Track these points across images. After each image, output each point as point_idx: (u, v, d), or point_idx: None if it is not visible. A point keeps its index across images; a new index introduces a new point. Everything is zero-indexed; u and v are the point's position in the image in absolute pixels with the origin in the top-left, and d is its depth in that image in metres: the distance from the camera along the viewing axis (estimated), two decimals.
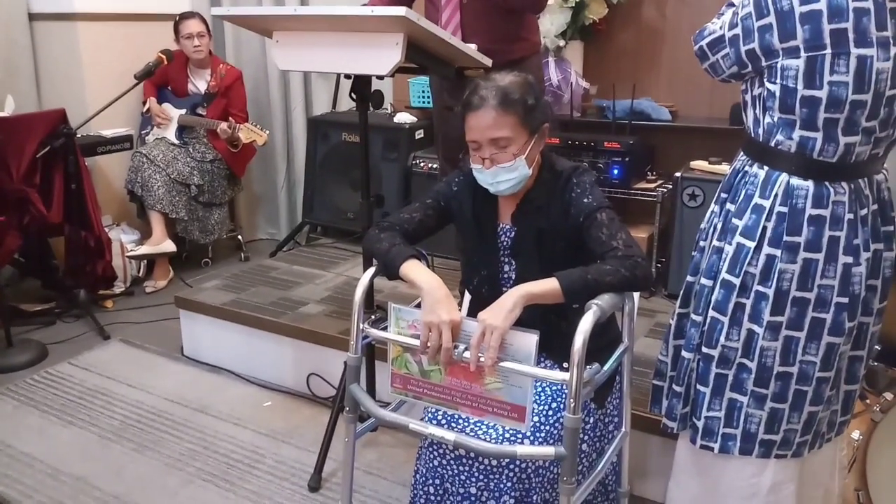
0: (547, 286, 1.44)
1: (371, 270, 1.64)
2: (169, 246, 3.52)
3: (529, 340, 1.38)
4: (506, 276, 1.67)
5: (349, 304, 1.66)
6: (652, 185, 3.03)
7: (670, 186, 2.97)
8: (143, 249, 3.48)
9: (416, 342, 1.46)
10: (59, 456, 2.28)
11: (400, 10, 1.66)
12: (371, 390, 2.27)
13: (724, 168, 2.81)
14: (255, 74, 4.03)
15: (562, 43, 3.12)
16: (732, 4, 1.45)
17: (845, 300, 1.40)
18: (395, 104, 3.76)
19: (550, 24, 3.05)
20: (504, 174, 1.55)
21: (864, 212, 1.40)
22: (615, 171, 2.98)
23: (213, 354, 2.85)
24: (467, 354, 1.41)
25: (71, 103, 3.43)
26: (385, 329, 1.55)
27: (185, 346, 2.94)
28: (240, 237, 4.03)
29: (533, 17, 2.47)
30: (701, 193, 2.81)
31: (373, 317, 1.66)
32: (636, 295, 1.65)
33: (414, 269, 1.53)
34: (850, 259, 1.39)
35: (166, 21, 3.74)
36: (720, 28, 1.43)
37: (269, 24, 2.01)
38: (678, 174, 2.88)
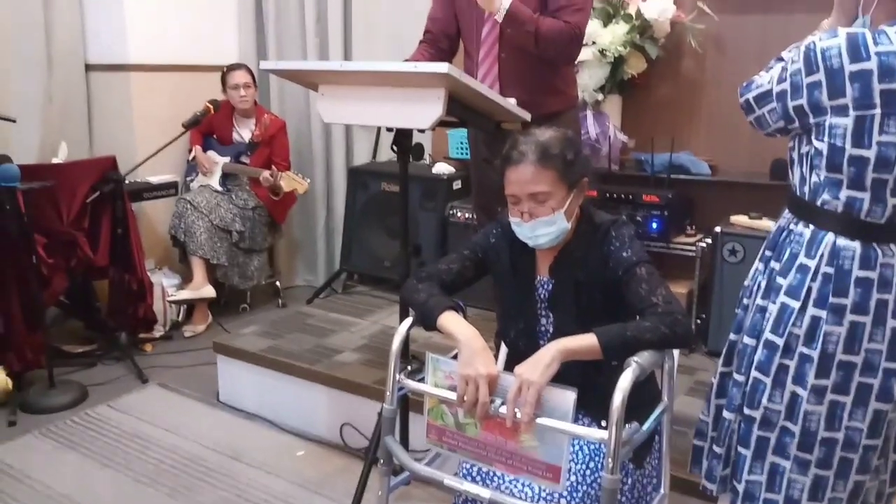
0: (585, 342, 1.43)
1: (408, 321, 1.64)
2: (209, 291, 3.57)
3: (567, 398, 1.36)
4: (543, 329, 1.66)
5: (384, 353, 1.67)
6: (691, 240, 3.00)
7: (710, 241, 2.94)
8: (184, 294, 3.54)
9: (453, 395, 1.45)
10: (95, 498, 2.30)
11: (443, 67, 1.70)
12: (404, 441, 2.25)
13: (765, 223, 2.78)
14: (298, 124, 4.13)
15: (600, 97, 3.14)
16: (782, 59, 1.45)
17: (894, 365, 1.36)
18: (433, 155, 3.81)
19: (589, 78, 3.08)
20: (543, 228, 1.55)
21: None
22: (654, 225, 2.97)
23: (249, 401, 2.86)
24: (503, 409, 1.40)
25: (121, 150, 3.54)
26: (421, 379, 1.55)
27: (221, 392, 2.96)
28: (278, 283, 4.08)
29: (570, 70, 2.49)
30: (741, 249, 2.77)
31: (409, 367, 1.66)
32: (676, 352, 1.62)
33: (451, 321, 1.53)
34: None
35: (214, 72, 3.87)
36: (768, 82, 1.42)
37: (315, 78, 2.07)
38: (718, 229, 2.84)
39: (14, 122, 2.94)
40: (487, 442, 1.46)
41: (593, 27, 3.03)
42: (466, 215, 3.35)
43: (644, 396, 1.57)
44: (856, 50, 1.26)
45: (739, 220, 2.90)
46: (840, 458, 1.41)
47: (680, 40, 3.14)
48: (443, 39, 2.47)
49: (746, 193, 3.00)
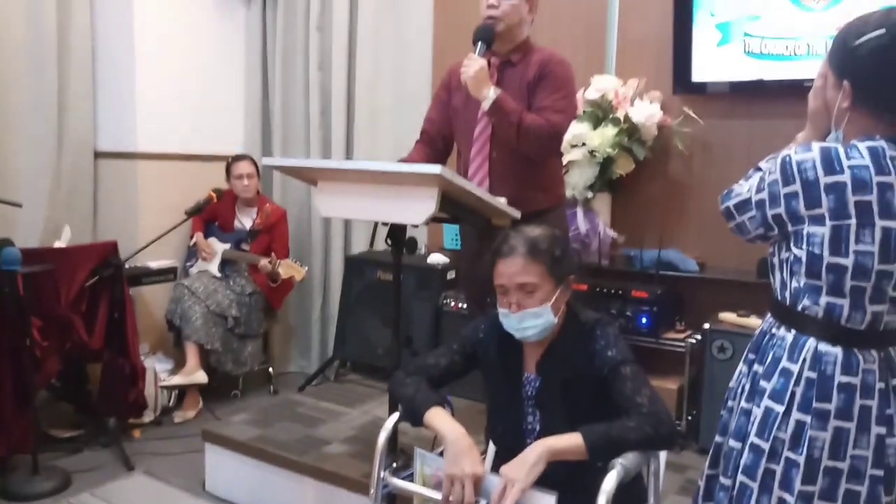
0: (571, 442, 1.45)
1: (395, 416, 1.66)
2: (201, 377, 3.57)
3: (548, 502, 1.36)
4: (530, 426, 1.67)
5: (374, 444, 1.67)
6: (681, 336, 3.04)
7: (699, 337, 2.97)
8: (176, 379, 3.54)
9: (437, 495, 1.46)
10: None
11: (436, 169, 1.78)
12: None
13: (753, 321, 2.82)
14: (298, 213, 4.23)
15: (590, 195, 3.24)
16: (760, 169, 1.50)
17: (880, 473, 1.36)
18: (429, 245, 3.89)
19: (579, 177, 3.19)
20: (530, 320, 1.59)
21: None
22: (643, 321, 3.00)
23: (235, 491, 2.82)
24: None
25: (124, 235, 3.61)
26: (408, 476, 1.55)
27: (207, 481, 2.91)
28: (270, 369, 4.07)
29: (557, 170, 2.59)
30: (730, 346, 2.80)
31: (395, 464, 1.66)
32: (662, 454, 1.63)
33: (438, 418, 1.55)
34: (883, 430, 1.36)
35: (219, 161, 4.00)
36: (747, 191, 1.47)
37: (315, 175, 2.15)
38: (707, 326, 2.88)
39: (20, 206, 3.02)
40: None
41: (583, 129, 3.16)
42: (460, 305, 3.39)
43: (631, 497, 1.57)
44: (829, 163, 1.32)
45: (728, 317, 2.94)
46: None
47: (667, 142, 3.26)
48: (438, 140, 2.58)
49: (734, 291, 3.06)
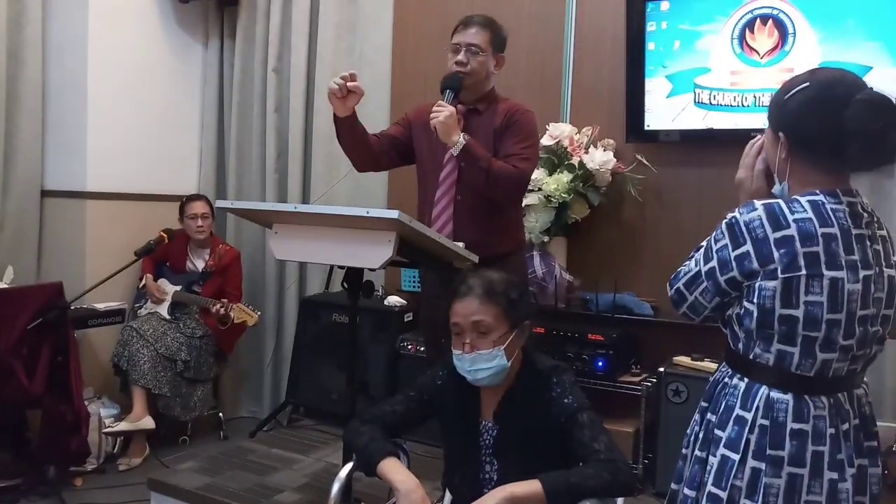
0: (530, 488, 1.44)
1: (349, 466, 1.64)
2: (148, 423, 3.45)
3: None
4: (487, 475, 1.65)
5: (327, 493, 1.62)
6: (637, 379, 3.06)
7: (655, 381, 2.99)
8: (122, 426, 3.41)
9: None
10: None
11: (393, 214, 1.78)
12: None
13: (708, 364, 2.86)
14: (252, 254, 4.17)
15: (546, 238, 3.27)
16: (701, 247, 1.53)
17: None
18: (386, 287, 3.86)
19: (535, 221, 3.22)
20: (482, 363, 1.59)
21: (846, 426, 1.41)
22: (599, 364, 3.02)
23: None
24: None
25: (70, 276, 3.51)
26: None
27: None
28: (220, 415, 3.96)
29: (518, 216, 2.63)
30: (685, 389, 2.83)
31: None
32: (620, 500, 1.62)
33: (391, 469, 1.52)
34: (835, 475, 1.39)
35: (172, 201, 3.93)
36: (695, 265, 1.49)
37: (270, 218, 2.13)
38: (662, 369, 2.91)
39: None
40: None
41: (539, 174, 3.21)
42: (418, 347, 3.36)
43: None
44: (775, 219, 1.37)
45: (683, 360, 2.98)
46: None
47: (621, 188, 3.32)
48: (391, 148, 2.60)
49: (689, 334, 3.09)
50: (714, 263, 1.44)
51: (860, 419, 1.45)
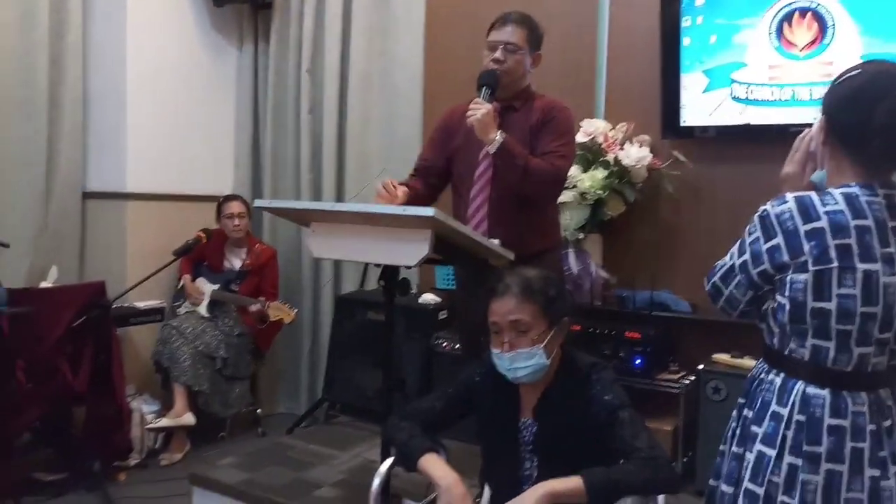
0: (571, 484, 1.43)
1: (389, 461, 1.64)
2: (189, 419, 3.51)
3: None
4: (527, 472, 1.65)
5: (364, 488, 1.64)
6: (675, 377, 3.03)
7: (693, 379, 2.96)
8: (163, 422, 3.48)
9: None
10: None
11: (429, 211, 1.78)
12: None
13: (747, 362, 2.82)
14: (288, 253, 4.21)
15: (581, 236, 3.26)
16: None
17: None
18: (420, 285, 3.88)
19: (570, 218, 3.20)
20: (521, 361, 1.59)
21: (889, 423, 1.39)
22: (637, 362, 3.00)
23: None
24: None
25: (112, 276, 3.59)
26: None
27: None
28: (258, 411, 4.01)
29: (554, 214, 2.61)
30: (724, 387, 2.79)
31: None
32: (661, 497, 1.61)
33: (432, 464, 1.53)
34: (876, 472, 1.37)
35: (209, 202, 4.00)
36: (729, 259, 1.50)
37: (307, 217, 2.15)
38: (700, 367, 2.88)
39: (7, 246, 2.98)
40: None
41: (574, 172, 3.19)
42: (453, 346, 3.37)
43: None
44: (806, 211, 1.37)
45: (721, 358, 2.94)
46: None
47: (657, 185, 3.30)
48: (432, 176, 2.60)
49: (728, 332, 3.05)
50: (747, 257, 1.43)
51: None
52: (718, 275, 1.51)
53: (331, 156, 4.08)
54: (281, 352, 4.31)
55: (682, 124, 3.21)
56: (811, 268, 1.35)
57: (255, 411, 4.01)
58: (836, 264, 1.34)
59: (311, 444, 3.21)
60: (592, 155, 3.28)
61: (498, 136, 2.31)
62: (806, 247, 1.35)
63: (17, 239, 3.52)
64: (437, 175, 2.60)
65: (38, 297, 3.03)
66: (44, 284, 3.47)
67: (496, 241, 2.15)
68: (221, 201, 3.89)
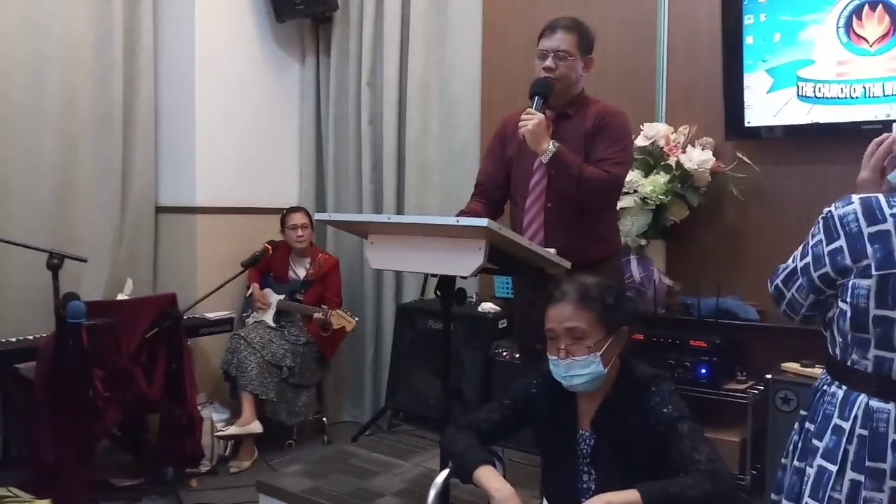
0: (628, 498, 1.42)
1: (445, 472, 1.65)
2: (256, 427, 3.60)
3: None
4: (584, 485, 1.63)
5: (425, 498, 1.65)
6: (742, 387, 2.94)
7: (762, 388, 2.87)
8: (232, 430, 3.58)
9: None
10: None
11: (482, 222, 1.79)
12: None
13: (817, 371, 2.70)
14: (350, 262, 4.28)
15: (643, 242, 3.20)
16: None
17: None
18: (480, 293, 3.88)
19: (632, 224, 3.15)
20: (578, 369, 1.57)
21: None
22: (702, 371, 2.92)
23: None
24: None
25: (183, 287, 3.73)
26: None
27: None
28: (324, 419, 4.08)
29: (612, 219, 2.58)
30: (794, 397, 2.69)
31: None
32: None
33: (487, 477, 1.53)
34: None
35: (274, 214, 4.10)
36: (792, 261, 1.47)
37: (365, 229, 2.18)
38: (769, 376, 2.79)
39: (85, 261, 3.13)
40: None
41: (635, 176, 3.14)
42: (513, 354, 3.36)
43: None
44: (871, 213, 1.31)
45: (791, 367, 2.84)
46: None
47: (722, 189, 3.21)
48: (494, 191, 2.60)
49: (797, 340, 2.94)
50: (809, 259, 1.39)
51: None
52: (781, 277, 1.48)
53: (391, 166, 4.14)
54: (345, 360, 4.38)
55: (746, 125, 3.12)
56: (874, 272, 1.29)
57: (321, 419, 4.09)
58: None
59: (375, 453, 3.24)
60: (654, 159, 3.22)
61: (550, 146, 2.30)
62: (869, 250, 1.30)
63: (96, 252, 3.70)
64: (498, 188, 2.60)
65: (115, 309, 3.17)
66: (120, 296, 3.63)
67: (552, 251, 2.13)
68: (285, 213, 3.99)
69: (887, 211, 1.31)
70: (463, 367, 3.55)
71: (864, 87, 2.86)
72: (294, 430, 3.96)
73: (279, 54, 4.41)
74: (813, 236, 1.40)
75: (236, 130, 4.16)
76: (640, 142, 3.24)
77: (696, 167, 3.10)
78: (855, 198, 1.35)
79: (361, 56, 4.22)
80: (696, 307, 3.13)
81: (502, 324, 3.57)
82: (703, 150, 3.15)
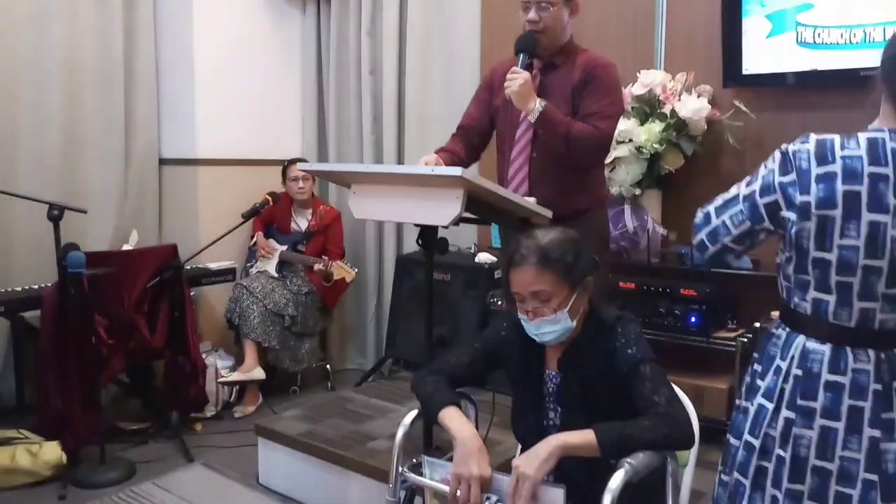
0: (584, 438, 1.45)
1: (413, 413, 1.70)
2: (259, 374, 3.70)
3: (557, 496, 1.37)
4: (551, 423, 1.68)
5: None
6: (732, 335, 2.96)
7: (751, 336, 2.89)
8: (235, 376, 3.68)
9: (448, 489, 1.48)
10: None
11: (456, 171, 1.81)
12: None
13: None
14: (352, 214, 4.30)
15: (638, 191, 3.19)
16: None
17: (874, 477, 1.31)
18: (478, 244, 3.91)
19: (626, 173, 3.14)
20: (547, 326, 1.59)
21: None
22: (692, 320, 2.94)
23: (286, 484, 2.92)
24: None
25: (187, 238, 3.81)
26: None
27: (260, 474, 3.02)
28: (328, 366, 4.17)
29: (599, 170, 2.56)
30: None
31: (414, 460, 1.69)
32: (693, 453, 1.62)
33: (451, 418, 1.57)
34: (877, 433, 1.32)
35: (276, 165, 4.13)
36: (734, 189, 1.44)
37: (349, 179, 2.21)
38: (758, 325, 2.80)
39: (85, 212, 3.19)
40: None
41: (630, 125, 3.12)
42: None
43: (655, 499, 1.56)
44: (823, 153, 1.31)
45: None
46: None
47: (718, 137, 3.18)
48: (475, 136, 2.59)
49: None
50: (756, 186, 1.38)
51: None
52: (716, 203, 1.46)
53: (391, 118, 4.13)
54: (349, 310, 4.45)
55: (744, 72, 3.07)
56: (814, 212, 1.29)
57: (325, 367, 4.18)
58: (840, 211, 1.28)
59: (372, 399, 3.33)
60: (650, 108, 3.19)
61: (537, 105, 2.27)
62: (813, 189, 1.30)
63: (101, 205, 3.77)
64: (479, 134, 2.59)
65: (116, 260, 3.24)
66: (125, 247, 3.71)
67: (532, 200, 2.15)
68: (286, 164, 4.01)
69: (838, 153, 1.30)
70: (459, 316, 3.60)
71: (865, 32, 2.79)
72: (298, 378, 4.06)
73: (279, 3, 4.38)
74: (765, 167, 1.39)
75: (237, 82, 4.16)
76: (636, 90, 3.21)
77: (690, 115, 3.06)
78: (812, 136, 1.34)
79: (361, 4, 4.18)
80: (689, 256, 3.12)
81: (498, 274, 3.59)
82: (698, 97, 3.11)
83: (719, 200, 1.47)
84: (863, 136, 1.31)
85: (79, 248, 2.93)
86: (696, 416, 1.76)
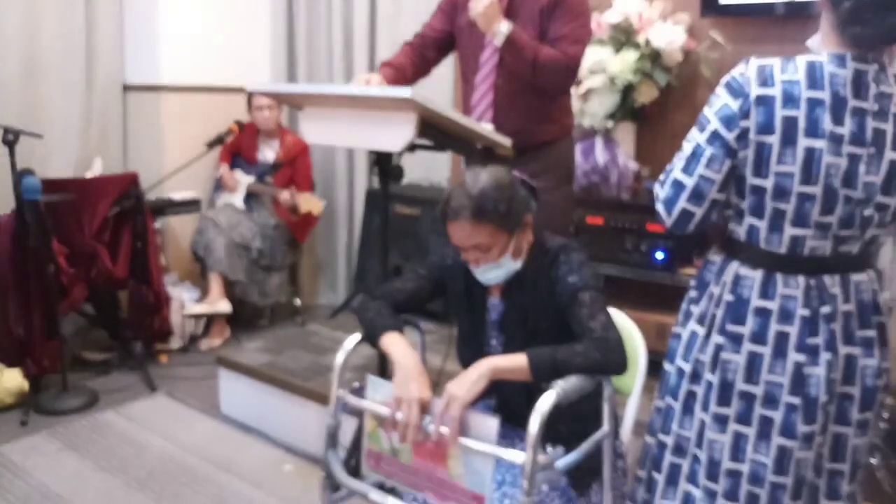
0: (515, 362, 1.44)
1: (355, 337, 1.67)
2: (224, 306, 3.66)
3: (490, 424, 1.36)
4: (493, 350, 1.66)
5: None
6: (697, 271, 2.93)
7: None
8: (199, 308, 3.64)
9: (386, 411, 1.47)
10: (85, 499, 2.39)
11: (406, 92, 1.72)
12: None
13: None
14: (323, 146, 4.21)
15: (610, 124, 3.11)
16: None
17: (796, 401, 1.31)
18: (451, 179, 3.84)
19: (599, 105, 3.06)
20: (492, 271, 1.58)
21: (828, 310, 1.31)
22: (658, 256, 2.91)
23: (247, 414, 2.93)
24: (432, 427, 1.41)
25: (151, 167, 3.72)
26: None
27: (222, 405, 3.03)
28: (297, 301, 4.14)
29: (566, 100, 2.48)
30: None
31: (356, 384, 1.67)
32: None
33: (391, 343, 1.55)
34: (802, 358, 1.31)
35: (244, 94, 4.00)
36: (687, 146, 1.35)
37: (299, 101, 2.13)
38: None
39: (41, 137, 3.09)
40: (419, 469, 1.47)
41: (604, 55, 3.02)
42: None
43: (593, 423, 1.55)
44: (763, 78, 1.27)
45: None
46: (747, 492, 1.36)
47: (694, 69, 3.09)
48: (431, 50, 2.48)
49: None
50: (715, 125, 1.31)
51: (857, 305, 1.33)
52: (679, 167, 1.35)
53: (363, 45, 4.00)
54: (321, 244, 4.40)
55: (721, 2, 2.96)
56: (752, 138, 1.25)
57: (294, 302, 4.15)
58: (777, 137, 1.25)
59: (336, 331, 3.32)
60: (625, 36, 3.08)
61: (503, 28, 2.18)
62: (753, 113, 1.25)
63: (63, 132, 3.66)
64: (437, 48, 2.48)
65: (74, 187, 3.16)
66: (88, 174, 3.62)
67: (489, 127, 2.08)
68: (251, 93, 3.89)
69: (778, 77, 1.25)
70: (430, 250, 3.56)
71: None
72: (268, 312, 4.04)
73: None
74: (712, 105, 1.33)
75: (204, 5, 4.00)
76: (611, 18, 3.10)
77: (664, 45, 2.97)
78: (753, 61, 1.30)
79: None
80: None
81: None
82: (674, 26, 3.01)
83: (680, 162, 1.36)
84: (801, 60, 1.27)
85: (34, 173, 2.85)
86: (643, 347, 1.76)
